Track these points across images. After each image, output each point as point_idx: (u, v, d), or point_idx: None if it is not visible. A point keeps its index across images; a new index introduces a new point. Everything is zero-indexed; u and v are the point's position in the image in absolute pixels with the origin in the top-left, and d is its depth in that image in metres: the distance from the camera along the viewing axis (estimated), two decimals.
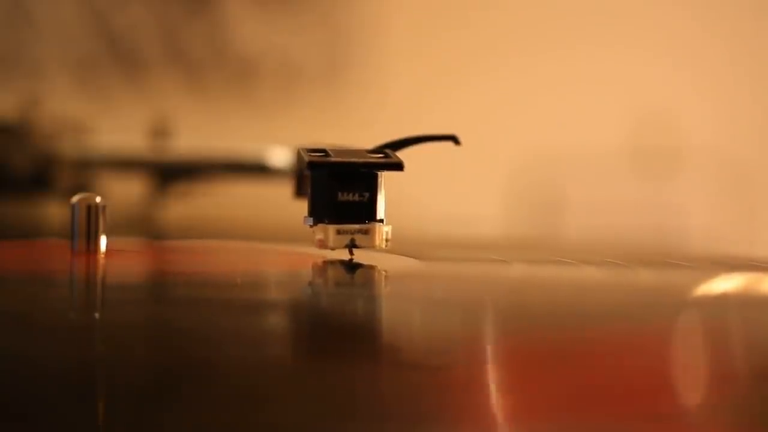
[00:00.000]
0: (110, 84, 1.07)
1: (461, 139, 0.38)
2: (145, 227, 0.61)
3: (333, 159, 0.36)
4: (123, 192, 0.66)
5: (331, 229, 0.36)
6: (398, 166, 0.36)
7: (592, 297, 0.35)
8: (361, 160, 0.36)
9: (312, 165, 0.36)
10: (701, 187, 1.03)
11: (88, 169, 0.68)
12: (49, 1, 1.07)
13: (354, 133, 0.49)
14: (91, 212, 0.37)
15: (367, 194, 0.36)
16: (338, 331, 0.28)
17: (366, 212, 0.36)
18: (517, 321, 0.30)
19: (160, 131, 0.67)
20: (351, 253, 0.37)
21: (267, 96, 1.08)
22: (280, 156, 0.64)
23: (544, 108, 1.05)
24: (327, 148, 0.36)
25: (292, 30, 1.08)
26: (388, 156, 0.37)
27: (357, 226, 0.36)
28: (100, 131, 0.71)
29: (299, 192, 0.43)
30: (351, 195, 0.36)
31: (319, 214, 0.36)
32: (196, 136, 0.68)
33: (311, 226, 0.36)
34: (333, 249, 0.36)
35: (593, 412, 0.22)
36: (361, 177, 0.36)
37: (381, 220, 0.36)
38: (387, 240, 0.37)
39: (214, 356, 0.25)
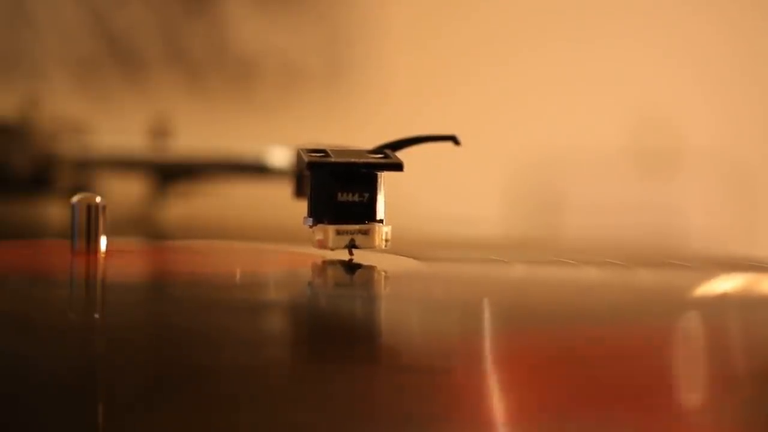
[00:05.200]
0: (110, 84, 1.07)
1: (461, 139, 0.38)
2: (145, 227, 0.61)
3: (333, 159, 0.36)
4: (123, 192, 0.66)
5: (331, 229, 0.36)
6: (398, 167, 0.36)
7: (592, 297, 0.35)
8: (361, 160, 0.36)
9: (312, 165, 0.36)
10: (701, 188, 1.03)
11: (88, 169, 0.68)
12: (49, 1, 1.07)
13: (354, 133, 0.49)
14: (91, 212, 0.37)
15: (366, 194, 0.36)
16: (338, 332, 0.28)
17: (366, 212, 0.36)
18: (517, 321, 0.30)
19: (160, 131, 0.67)
20: (351, 253, 0.37)
21: (267, 96, 1.08)
22: (280, 156, 0.64)
23: (544, 108, 1.05)
24: (327, 149, 0.36)
25: (291, 30, 1.08)
26: (388, 156, 0.37)
27: (357, 227, 0.36)
28: (100, 131, 0.71)
29: (299, 192, 0.43)
30: (351, 195, 0.36)
31: (319, 214, 0.36)
32: (196, 136, 0.68)
33: (311, 227, 0.36)
34: (333, 249, 0.36)
35: (593, 412, 0.22)
36: (361, 177, 0.36)
37: (381, 221, 0.36)
38: (387, 240, 0.37)
39: (214, 357, 0.25)
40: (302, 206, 0.37)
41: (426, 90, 1.06)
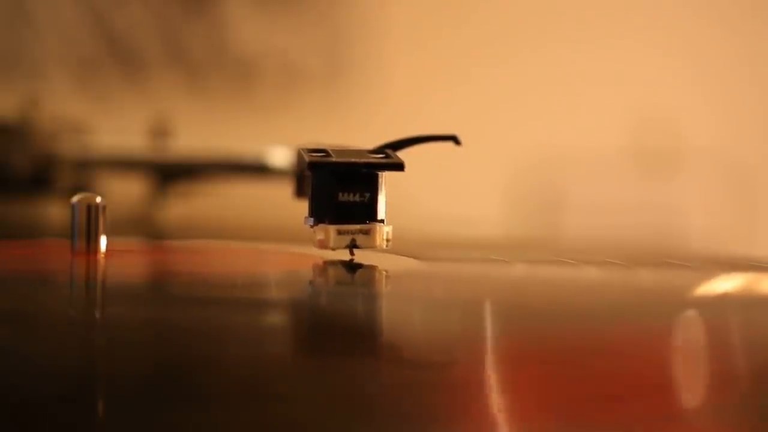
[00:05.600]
0: (110, 84, 1.07)
1: (462, 138, 0.38)
2: (145, 227, 0.61)
3: (334, 159, 0.36)
4: (123, 192, 0.66)
5: (332, 229, 0.36)
6: (399, 167, 0.36)
7: (592, 297, 0.35)
8: (362, 160, 0.36)
9: (313, 165, 0.36)
10: (701, 188, 1.03)
11: (88, 169, 0.68)
12: (49, 1, 1.07)
13: (354, 133, 0.49)
14: (91, 212, 0.37)
15: (367, 194, 0.36)
16: (339, 331, 0.28)
17: (367, 212, 0.36)
18: (517, 321, 0.30)
19: (160, 131, 0.67)
20: (352, 253, 0.37)
21: (267, 96, 1.08)
22: (280, 156, 0.64)
23: (544, 108, 1.05)
24: (327, 148, 0.36)
25: (292, 30, 1.08)
26: (389, 156, 0.37)
27: (358, 227, 0.36)
28: (100, 131, 0.71)
29: (299, 192, 0.43)
30: (352, 195, 0.36)
31: (320, 214, 0.36)
32: (196, 136, 0.68)
33: (312, 227, 0.36)
34: (334, 249, 0.36)
35: (593, 412, 0.22)
36: (362, 177, 0.36)
37: (382, 221, 0.36)
38: (388, 240, 0.37)
39: (215, 356, 0.25)
40: (303, 206, 0.37)
41: (426, 90, 1.06)
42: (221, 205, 0.70)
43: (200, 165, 0.67)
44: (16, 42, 1.06)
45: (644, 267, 0.42)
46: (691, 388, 0.24)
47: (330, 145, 0.37)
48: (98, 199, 0.37)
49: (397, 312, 0.32)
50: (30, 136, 0.68)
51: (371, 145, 0.37)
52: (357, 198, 0.36)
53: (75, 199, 0.37)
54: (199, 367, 0.24)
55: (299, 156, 0.37)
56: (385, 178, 0.36)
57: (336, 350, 0.26)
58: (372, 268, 0.37)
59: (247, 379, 0.23)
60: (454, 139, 0.38)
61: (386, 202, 0.37)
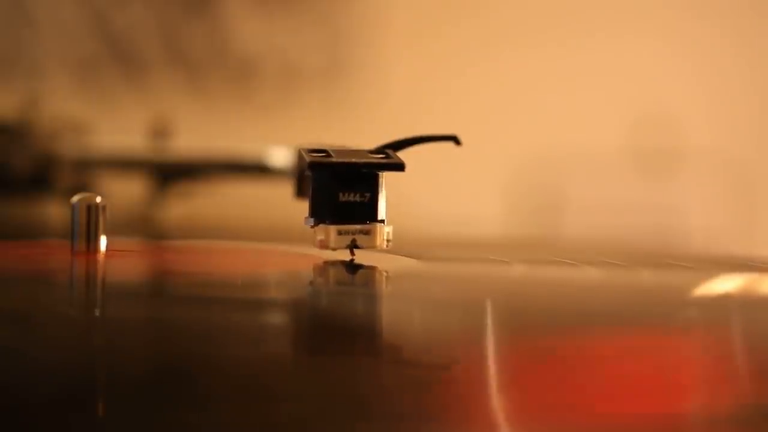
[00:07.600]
0: (110, 84, 1.07)
1: (461, 139, 0.38)
2: (145, 227, 0.61)
3: (334, 159, 0.36)
4: (123, 192, 0.66)
5: (332, 229, 0.36)
6: (399, 167, 0.36)
7: (592, 297, 0.35)
8: (363, 160, 0.36)
9: (313, 165, 0.36)
10: (701, 187, 1.03)
11: (88, 169, 0.68)
12: (49, 1, 1.07)
13: (354, 133, 0.49)
14: (91, 212, 0.37)
15: (368, 195, 0.36)
16: (339, 331, 0.28)
17: (367, 213, 0.36)
18: (517, 321, 0.30)
19: (160, 131, 0.67)
20: (352, 253, 0.37)
21: (267, 96, 1.08)
22: (280, 156, 0.64)
23: (544, 108, 1.05)
24: (328, 149, 0.36)
25: (292, 30, 1.08)
26: (389, 156, 0.37)
27: (358, 227, 0.36)
28: (100, 131, 0.71)
29: (299, 192, 0.43)
30: (352, 195, 0.36)
31: (320, 214, 0.36)
32: (196, 136, 0.68)
33: (312, 227, 0.36)
34: (334, 249, 0.36)
35: (593, 413, 0.22)
36: (363, 177, 0.36)
37: (382, 221, 0.36)
38: (388, 240, 0.37)
39: (215, 356, 0.25)
40: (303, 206, 0.37)
41: (426, 90, 1.06)
42: (221, 205, 0.70)
43: (200, 165, 0.67)
44: (16, 42, 1.06)
45: (644, 267, 0.42)
46: (691, 389, 0.24)
47: (330, 145, 0.37)
48: (98, 199, 0.37)
49: (396, 312, 0.32)
50: (30, 136, 0.68)
51: (371, 145, 0.37)
52: (357, 198, 0.36)
53: (75, 199, 0.37)
54: (198, 366, 0.24)
55: (299, 156, 0.37)
56: (386, 178, 0.36)
57: (336, 350, 0.26)
58: (372, 269, 0.37)
59: (247, 378, 0.23)
60: (454, 139, 0.38)
61: (386, 202, 0.37)
